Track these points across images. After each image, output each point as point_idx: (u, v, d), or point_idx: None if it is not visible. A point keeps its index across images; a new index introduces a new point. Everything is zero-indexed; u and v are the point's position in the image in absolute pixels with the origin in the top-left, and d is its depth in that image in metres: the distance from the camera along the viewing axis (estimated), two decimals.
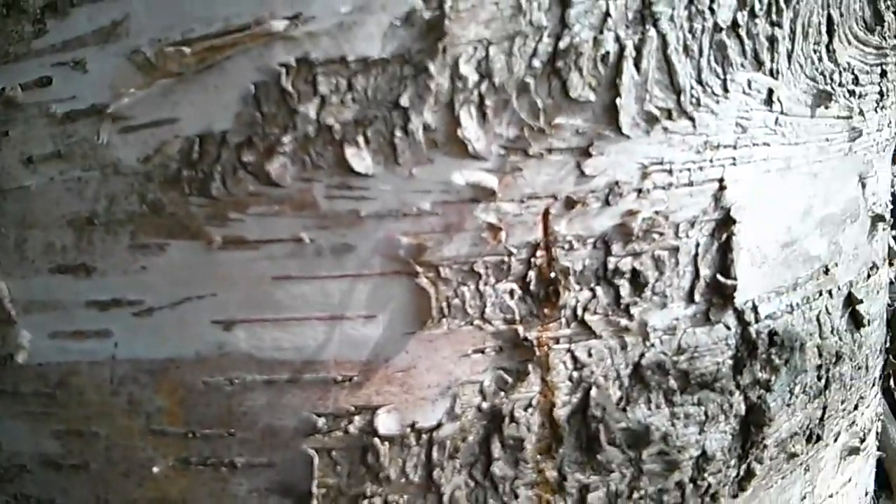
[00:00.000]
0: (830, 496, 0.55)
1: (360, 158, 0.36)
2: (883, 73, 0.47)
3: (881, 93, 0.48)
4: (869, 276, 0.51)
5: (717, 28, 0.37)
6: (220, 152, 0.37)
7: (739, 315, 0.42)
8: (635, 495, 0.42)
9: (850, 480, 0.57)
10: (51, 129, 0.41)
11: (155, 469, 0.42)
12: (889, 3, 0.47)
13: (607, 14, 0.36)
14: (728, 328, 0.42)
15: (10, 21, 0.41)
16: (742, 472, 0.45)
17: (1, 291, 0.44)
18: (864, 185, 0.48)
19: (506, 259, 0.38)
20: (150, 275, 0.40)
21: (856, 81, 0.45)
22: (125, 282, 0.40)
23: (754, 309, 0.43)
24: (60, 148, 0.41)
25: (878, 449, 0.71)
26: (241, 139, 0.37)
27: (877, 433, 0.62)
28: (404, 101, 0.36)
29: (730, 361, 0.43)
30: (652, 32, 0.36)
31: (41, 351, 0.43)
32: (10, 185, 0.42)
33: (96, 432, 0.43)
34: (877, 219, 0.50)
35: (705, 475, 0.43)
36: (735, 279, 0.41)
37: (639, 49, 0.36)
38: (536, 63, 0.36)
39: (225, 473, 0.41)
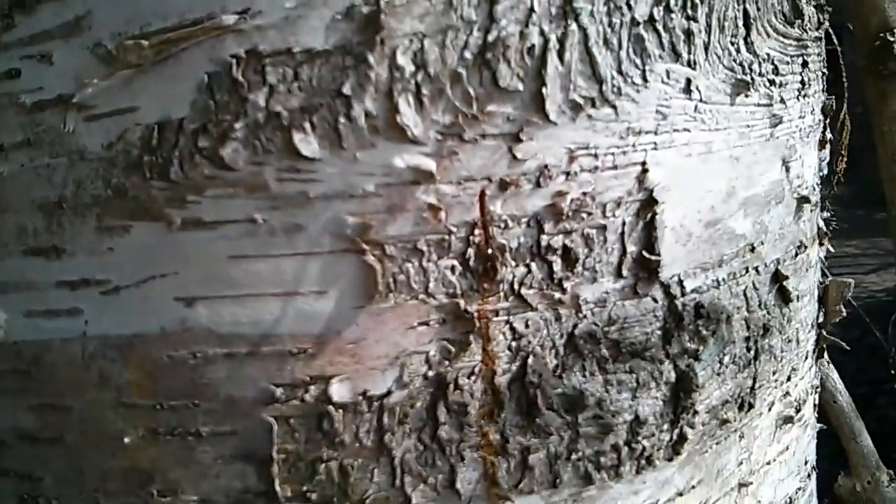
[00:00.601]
0: (768, 463, 0.58)
1: (307, 143, 0.39)
2: (804, 64, 0.51)
3: (803, 82, 0.51)
4: (797, 254, 0.55)
5: (634, 22, 0.41)
6: (178, 138, 0.40)
7: (666, 289, 0.45)
8: (574, 457, 0.45)
9: (787, 448, 0.61)
10: (20, 119, 0.43)
11: (126, 440, 0.44)
12: None
13: (532, 10, 0.39)
14: (655, 301, 0.45)
15: None
16: (675, 437, 0.48)
17: None
18: (787, 169, 0.52)
19: (446, 237, 0.41)
20: (115, 255, 0.42)
21: (776, 71, 0.48)
22: (93, 262, 0.43)
23: (680, 283, 0.46)
24: (30, 136, 0.43)
25: (831, 425, 0.75)
26: (196, 126, 0.40)
27: (814, 405, 0.65)
28: (346, 89, 0.38)
29: (658, 332, 0.46)
30: (573, 27, 0.39)
31: (17, 330, 0.45)
32: None
33: (70, 406, 0.45)
34: (802, 200, 0.54)
35: (639, 438, 0.46)
36: (659, 255, 0.44)
37: (562, 42, 0.39)
38: (468, 55, 0.39)
39: (191, 442, 0.43)
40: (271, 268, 0.41)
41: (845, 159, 0.74)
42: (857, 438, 0.99)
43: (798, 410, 0.60)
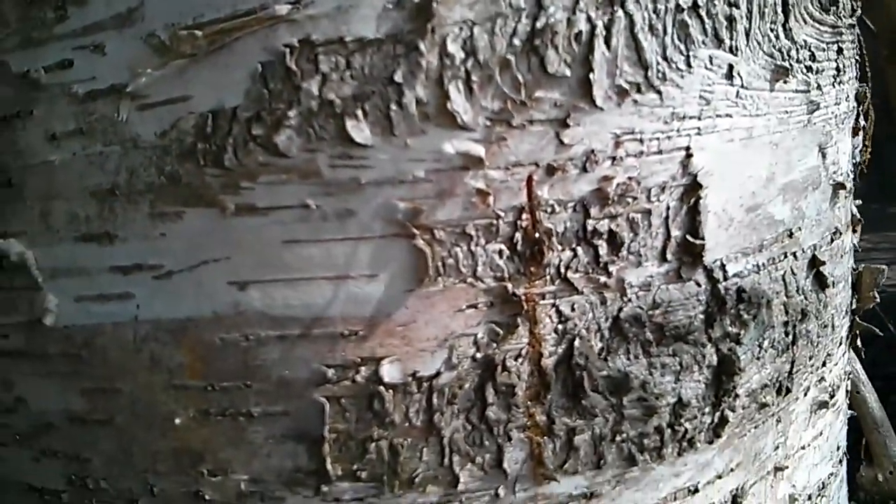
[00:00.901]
0: (802, 447, 0.59)
1: (359, 130, 0.40)
2: (839, 51, 0.51)
3: (838, 69, 0.52)
4: (832, 240, 0.55)
5: (678, 8, 0.41)
6: (232, 126, 0.41)
7: (709, 273, 0.46)
8: (618, 438, 0.46)
9: (821, 434, 0.61)
10: (73, 108, 0.44)
11: (177, 421, 0.45)
12: None
13: None
14: (699, 285, 0.46)
15: (34, 8, 0.44)
16: (716, 420, 0.49)
17: (28, 259, 0.47)
18: (824, 155, 0.52)
19: (494, 222, 0.42)
20: (168, 241, 0.43)
21: (812, 58, 0.49)
22: (146, 248, 0.44)
23: (722, 267, 0.47)
24: (82, 125, 0.44)
25: (856, 416, 0.75)
26: (250, 114, 0.40)
27: (846, 391, 0.66)
28: (398, 77, 0.39)
29: (701, 316, 0.46)
30: (620, 13, 0.40)
31: (67, 314, 0.46)
32: (34, 160, 0.45)
33: (120, 389, 0.46)
34: (838, 187, 0.54)
35: (682, 421, 0.47)
36: (703, 239, 0.45)
37: (608, 28, 0.40)
38: (517, 41, 0.39)
39: (243, 422, 0.44)
40: (323, 252, 0.42)
41: (869, 150, 0.74)
42: (880, 429, 0.99)
43: (832, 396, 0.61)
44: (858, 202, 0.62)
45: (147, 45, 0.41)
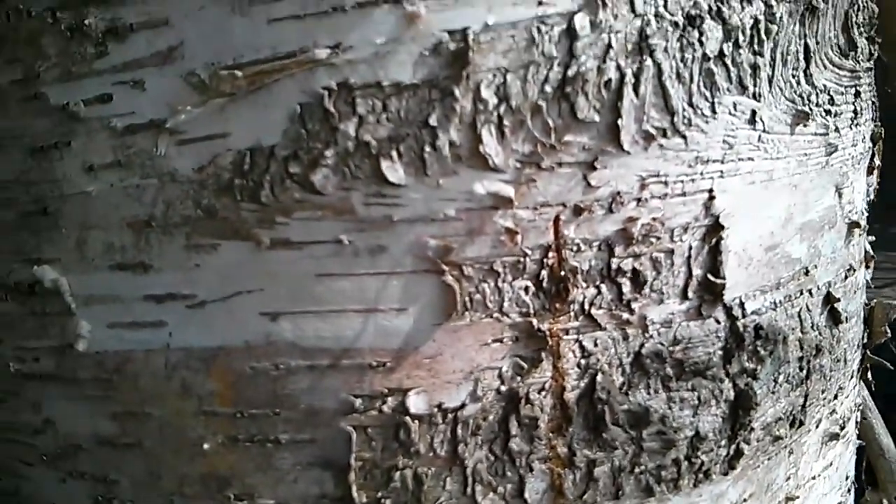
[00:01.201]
0: (813, 478, 0.60)
1: (393, 170, 0.41)
2: (857, 94, 0.53)
3: (855, 111, 0.53)
4: (846, 277, 0.56)
5: (705, 58, 0.42)
6: (269, 164, 0.42)
7: (728, 311, 0.47)
8: (636, 470, 0.47)
9: (831, 464, 0.62)
10: (111, 141, 0.45)
11: (205, 446, 0.46)
12: (862, 29, 0.52)
13: (609, 46, 0.41)
14: (718, 322, 0.47)
15: (74, 43, 0.45)
16: (732, 452, 0.50)
17: (62, 286, 0.49)
18: (840, 195, 0.54)
19: (521, 259, 0.43)
20: (203, 272, 0.44)
21: (831, 101, 0.50)
22: (180, 278, 0.45)
23: (741, 305, 0.48)
24: (120, 158, 0.45)
25: (864, 443, 0.76)
26: (288, 152, 0.42)
27: (856, 422, 0.67)
28: (433, 120, 0.41)
29: (720, 352, 0.48)
30: (649, 62, 0.41)
31: (99, 340, 0.47)
32: (71, 190, 0.46)
33: (150, 413, 0.47)
34: (853, 225, 0.55)
35: (699, 453, 0.48)
36: (724, 278, 0.46)
37: (637, 76, 0.41)
38: (548, 88, 0.41)
39: (270, 449, 0.45)
40: (355, 286, 0.43)
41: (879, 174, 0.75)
42: (886, 454, 1.00)
43: (842, 427, 0.62)
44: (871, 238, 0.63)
45: (187, 82, 0.43)
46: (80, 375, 0.49)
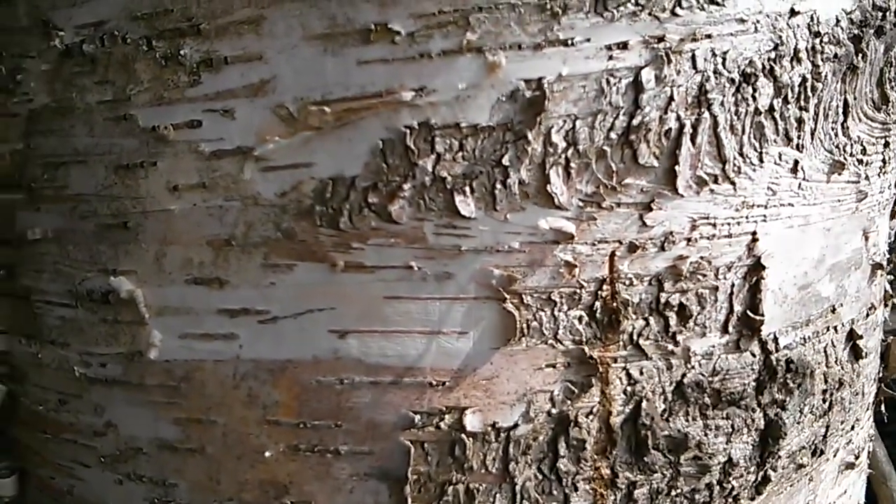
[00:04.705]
0: None
1: (465, 204, 0.44)
2: (886, 144, 0.56)
3: (884, 160, 0.56)
4: (868, 315, 0.60)
5: (757, 111, 0.46)
6: (349, 193, 0.45)
7: (763, 345, 0.50)
8: (673, 493, 0.50)
9: (845, 492, 0.65)
10: (197, 164, 0.47)
11: (266, 454, 0.49)
12: (893, 84, 0.55)
13: (671, 98, 0.44)
14: (754, 355, 0.50)
15: (168, 71, 0.47)
16: (759, 478, 0.53)
17: (137, 297, 0.51)
18: (867, 239, 0.57)
19: (577, 291, 0.46)
20: (277, 290, 0.47)
21: (864, 152, 0.54)
22: (255, 294, 0.48)
23: (775, 340, 0.51)
24: (205, 180, 0.47)
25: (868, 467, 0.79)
26: (367, 184, 0.45)
27: (868, 452, 0.70)
28: (505, 160, 0.44)
29: (753, 383, 0.51)
30: (706, 114, 0.45)
31: (170, 349, 0.50)
32: (154, 207, 0.49)
33: (215, 420, 0.50)
34: (876, 266, 0.59)
35: (730, 479, 0.51)
36: (762, 315, 0.49)
37: (695, 127, 0.45)
38: (613, 135, 0.44)
39: (330, 459, 0.48)
40: (420, 309, 0.46)
41: None
42: (888, 482, 1.03)
43: (857, 457, 0.65)
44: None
45: (275, 114, 0.45)
46: (147, 381, 0.51)
